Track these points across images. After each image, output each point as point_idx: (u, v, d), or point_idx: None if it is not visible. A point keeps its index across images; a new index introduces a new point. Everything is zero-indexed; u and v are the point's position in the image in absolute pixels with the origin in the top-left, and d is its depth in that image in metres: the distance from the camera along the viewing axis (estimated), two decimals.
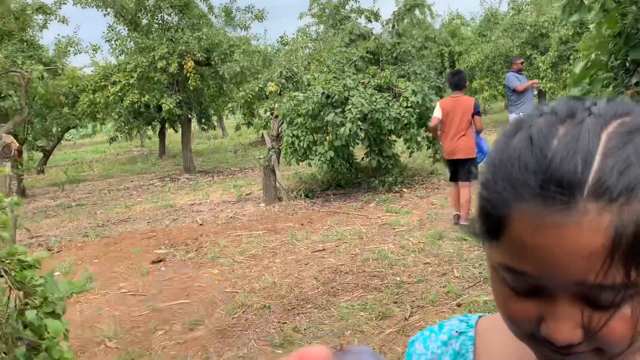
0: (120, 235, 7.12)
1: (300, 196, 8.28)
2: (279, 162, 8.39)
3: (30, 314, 1.86)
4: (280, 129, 8.22)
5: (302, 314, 4.03)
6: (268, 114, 9.19)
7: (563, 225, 0.43)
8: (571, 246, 0.44)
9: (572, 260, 0.44)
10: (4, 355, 1.91)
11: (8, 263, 1.98)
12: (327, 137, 7.51)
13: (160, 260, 5.77)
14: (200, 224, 7.31)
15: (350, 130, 7.14)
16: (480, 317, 0.74)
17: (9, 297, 1.93)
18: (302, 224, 6.68)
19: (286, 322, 3.90)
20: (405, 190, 7.92)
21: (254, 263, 5.36)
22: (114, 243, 6.75)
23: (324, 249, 5.51)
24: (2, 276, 1.98)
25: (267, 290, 4.57)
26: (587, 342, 0.48)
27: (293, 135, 7.70)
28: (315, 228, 6.42)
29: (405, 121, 7.49)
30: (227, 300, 4.44)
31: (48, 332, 1.88)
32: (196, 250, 6.06)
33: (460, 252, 4.95)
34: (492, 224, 0.49)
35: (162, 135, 19.17)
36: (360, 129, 7.34)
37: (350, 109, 7.28)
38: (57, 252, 6.61)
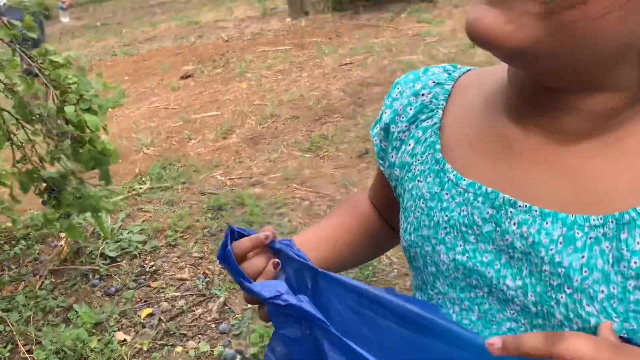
0: (148, 53, 7.12)
1: (328, 9, 7.92)
2: None
3: (69, 110, 1.96)
4: None
5: (329, 122, 4.14)
6: None
7: None
8: None
9: None
10: (54, 148, 2.07)
11: (41, 63, 2.04)
12: None
13: (188, 76, 5.83)
14: (226, 40, 7.19)
15: None
16: (469, 70, 0.64)
17: (46, 95, 2.03)
18: (329, 38, 6.51)
19: (314, 130, 4.03)
20: None
21: (281, 77, 5.37)
22: (142, 60, 6.78)
23: (351, 62, 5.43)
24: (37, 75, 2.05)
25: (295, 102, 4.64)
26: None
27: None
28: (343, 42, 6.26)
29: None
30: (256, 111, 4.56)
31: (88, 127, 2.00)
32: (223, 65, 6.06)
33: None
34: None
35: None
36: None
37: None
38: (89, 70, 6.71)
